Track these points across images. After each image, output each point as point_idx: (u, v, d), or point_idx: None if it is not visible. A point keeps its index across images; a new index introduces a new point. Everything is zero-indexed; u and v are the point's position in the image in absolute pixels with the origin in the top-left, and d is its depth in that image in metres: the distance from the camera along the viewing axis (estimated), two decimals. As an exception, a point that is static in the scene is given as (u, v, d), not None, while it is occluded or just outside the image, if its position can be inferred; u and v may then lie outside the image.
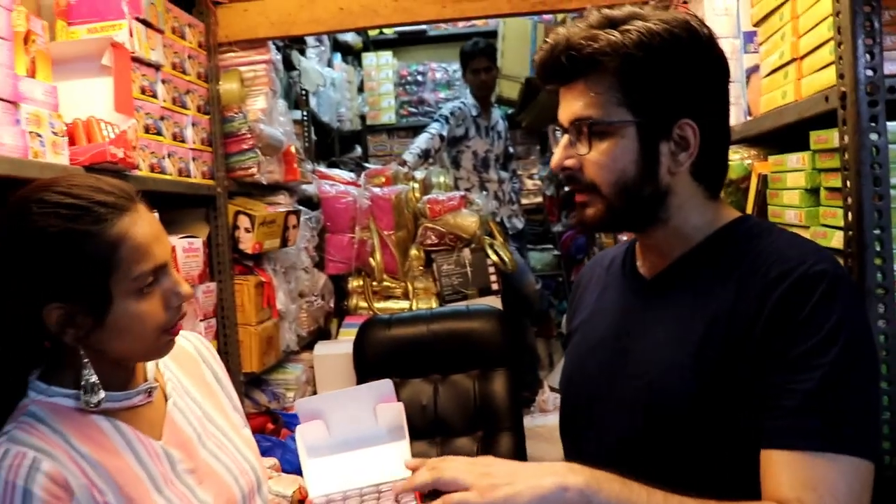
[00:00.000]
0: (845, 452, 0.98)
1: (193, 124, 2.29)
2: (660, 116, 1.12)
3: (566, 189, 1.36)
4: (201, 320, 2.27)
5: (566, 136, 1.16)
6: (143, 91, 2.00)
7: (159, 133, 2.07)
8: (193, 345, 1.37)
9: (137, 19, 1.98)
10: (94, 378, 1.10)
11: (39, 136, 1.53)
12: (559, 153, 1.17)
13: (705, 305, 1.11)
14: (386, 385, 1.38)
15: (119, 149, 1.70)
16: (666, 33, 1.09)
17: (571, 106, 1.15)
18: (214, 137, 2.43)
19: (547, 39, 1.15)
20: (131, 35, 1.94)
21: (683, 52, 1.11)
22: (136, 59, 1.97)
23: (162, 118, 2.09)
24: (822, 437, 0.98)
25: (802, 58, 1.45)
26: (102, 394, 1.11)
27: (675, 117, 1.12)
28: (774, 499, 0.99)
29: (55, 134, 1.58)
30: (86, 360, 1.10)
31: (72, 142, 1.66)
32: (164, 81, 2.13)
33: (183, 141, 2.23)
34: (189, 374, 1.32)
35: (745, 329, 1.06)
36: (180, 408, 1.25)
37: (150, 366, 1.23)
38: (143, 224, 1.12)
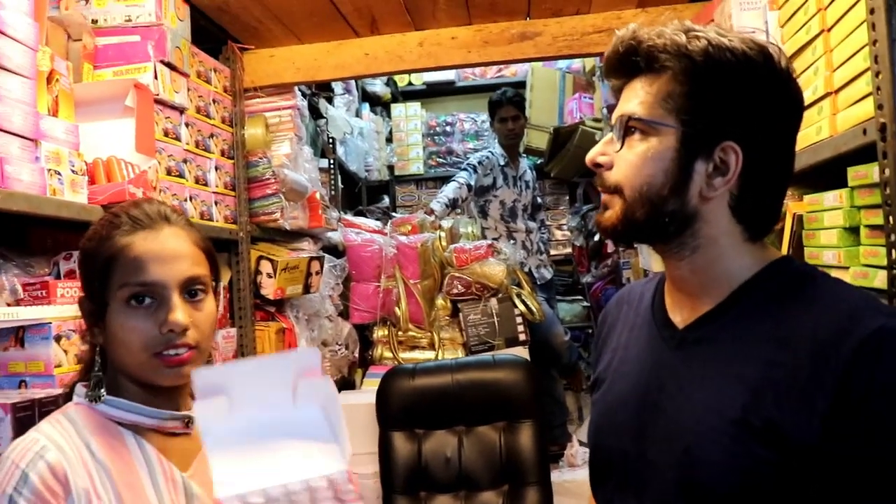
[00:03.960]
0: None
1: (217, 168, 2.29)
2: (705, 132, 1.03)
3: (599, 189, 1.21)
4: (221, 366, 2.23)
5: (611, 133, 1.10)
6: (166, 133, 2.00)
7: (181, 175, 2.06)
8: None
9: (162, 62, 2.00)
10: (99, 374, 1.17)
11: (59, 174, 1.52)
12: (597, 147, 1.10)
13: (747, 364, 1.00)
14: (309, 355, 1.12)
15: (138, 188, 1.68)
16: (737, 50, 1.01)
17: (625, 102, 1.08)
18: (238, 182, 2.43)
19: (617, 32, 1.10)
20: (156, 77, 1.95)
21: (750, 74, 1.02)
22: (159, 102, 1.98)
23: (185, 161, 2.09)
24: None
25: (837, 91, 1.40)
26: (100, 392, 1.16)
27: (721, 138, 1.03)
28: None
29: (75, 172, 1.57)
30: (98, 360, 1.18)
31: (92, 181, 1.65)
32: (187, 125, 2.13)
33: (206, 184, 2.22)
34: None
35: (803, 392, 0.94)
36: None
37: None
38: (153, 242, 1.15)
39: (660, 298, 1.17)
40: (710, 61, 1.01)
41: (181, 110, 2.11)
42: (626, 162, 1.06)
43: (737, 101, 1.02)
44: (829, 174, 1.48)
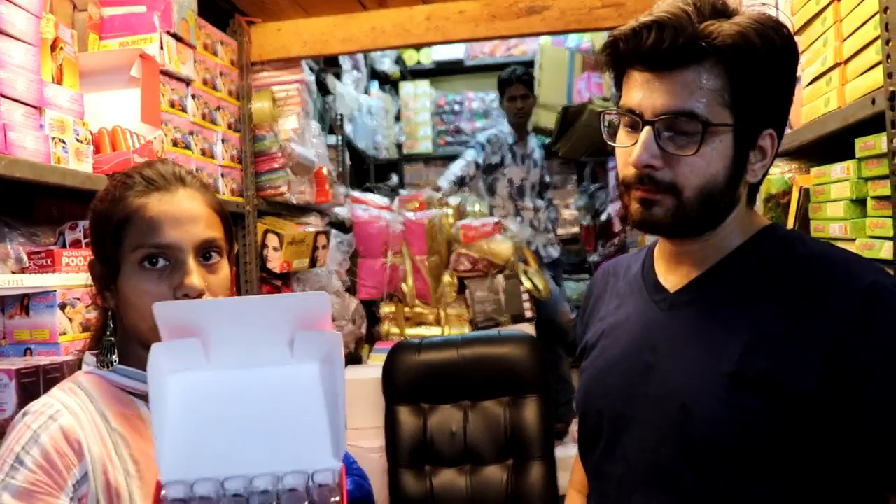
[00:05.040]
0: None
1: (223, 141, 2.29)
2: (755, 124, 1.05)
3: (638, 186, 1.15)
4: (227, 339, 2.24)
5: (648, 129, 1.03)
6: (172, 105, 2.00)
7: (188, 147, 2.06)
8: None
9: (169, 33, 1.99)
10: (111, 339, 1.15)
11: (63, 142, 1.52)
12: (645, 149, 1.03)
13: (740, 321, 1.03)
14: (317, 299, 0.88)
15: (143, 158, 1.68)
16: (776, 38, 1.01)
17: (671, 96, 1.02)
18: (244, 155, 2.43)
19: (650, 15, 1.03)
20: (161, 48, 1.95)
21: (788, 61, 1.04)
22: (165, 73, 1.98)
23: (191, 133, 2.09)
24: None
25: (847, 62, 1.39)
26: (114, 357, 1.14)
27: (765, 126, 1.05)
28: None
29: (79, 141, 1.57)
30: (110, 324, 1.15)
31: (97, 150, 1.65)
32: (194, 96, 2.13)
33: (212, 157, 2.22)
34: None
35: (796, 345, 0.98)
36: None
37: None
38: (168, 204, 1.12)
39: (649, 267, 1.19)
40: (768, 49, 1.00)
41: (187, 82, 2.10)
42: (688, 164, 1.03)
43: (778, 88, 1.05)
44: (836, 147, 1.46)
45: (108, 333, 1.16)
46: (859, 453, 0.96)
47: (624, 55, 1.06)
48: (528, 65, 4.89)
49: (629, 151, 1.06)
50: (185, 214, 1.12)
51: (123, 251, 1.10)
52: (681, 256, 1.13)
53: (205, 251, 1.13)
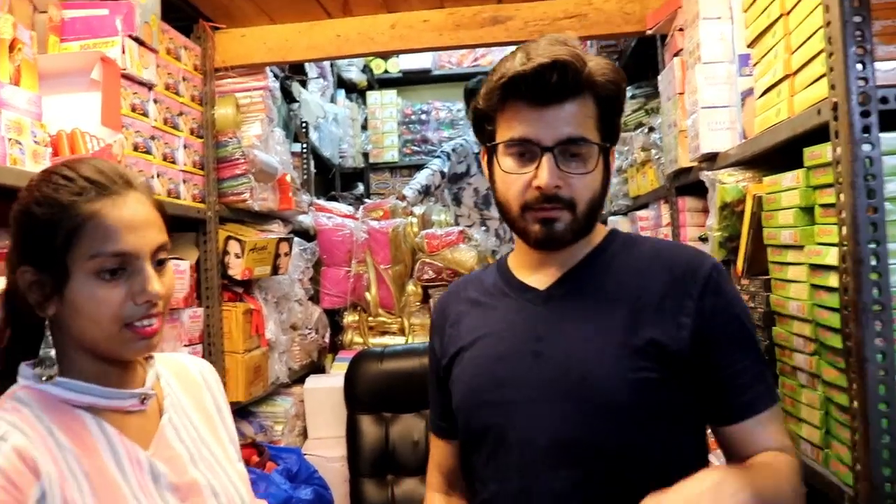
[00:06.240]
0: (776, 402, 1.24)
1: (185, 146, 2.28)
2: (611, 143, 1.29)
3: (541, 206, 1.24)
4: (186, 346, 2.23)
5: (549, 155, 1.20)
6: (133, 109, 1.99)
7: (149, 152, 2.05)
8: (200, 370, 1.34)
9: (131, 37, 1.98)
10: (52, 352, 1.09)
11: (20, 143, 1.50)
12: (552, 172, 1.20)
13: (617, 302, 1.24)
14: None
15: (103, 161, 1.67)
16: (620, 71, 1.27)
17: (562, 125, 1.21)
18: (207, 161, 2.41)
19: (531, 55, 1.20)
20: (123, 52, 1.93)
21: (625, 88, 1.29)
22: (127, 77, 1.97)
23: (152, 137, 2.08)
24: (769, 397, 1.23)
25: (795, 73, 1.43)
26: (55, 369, 1.09)
27: (613, 144, 1.30)
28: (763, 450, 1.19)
29: (37, 143, 1.55)
30: (48, 335, 1.10)
31: (55, 153, 1.64)
32: (156, 101, 2.12)
33: (174, 162, 2.21)
34: (191, 396, 1.28)
35: (674, 312, 1.21)
36: (175, 425, 1.20)
37: (150, 376, 1.20)
38: (123, 209, 1.09)
39: (508, 275, 1.35)
40: (618, 82, 1.25)
41: (149, 86, 2.09)
42: (581, 181, 1.23)
43: (620, 114, 1.32)
44: (788, 157, 1.50)
45: (47, 345, 1.10)
46: (710, 394, 1.22)
47: (517, 91, 1.21)
48: (495, 76, 4.93)
49: (526, 178, 1.22)
50: (140, 220, 1.11)
51: (75, 259, 1.07)
52: (545, 262, 1.30)
53: (158, 256, 1.13)
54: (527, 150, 1.22)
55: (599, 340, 1.21)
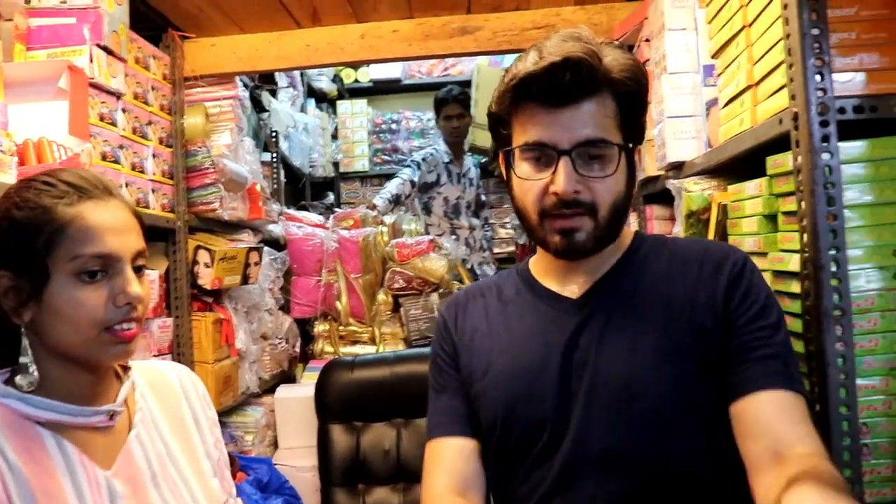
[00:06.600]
0: (796, 390, 1.11)
1: (154, 155, 2.26)
2: (635, 143, 1.22)
3: (560, 212, 1.17)
4: (155, 356, 2.21)
5: (567, 159, 1.14)
6: (101, 118, 1.98)
7: (117, 161, 2.03)
8: (179, 379, 1.32)
9: (99, 46, 1.97)
10: (28, 360, 1.08)
11: (-15, 152, 1.49)
12: (569, 177, 1.14)
13: (655, 300, 1.19)
14: None
15: (70, 170, 1.66)
16: (640, 65, 1.20)
17: (579, 126, 1.14)
18: (176, 170, 2.40)
19: (542, 54, 1.13)
20: (91, 61, 1.92)
21: (647, 85, 1.22)
22: (95, 86, 1.95)
23: (121, 147, 2.06)
24: (788, 379, 1.11)
25: (758, 84, 1.46)
26: (35, 375, 1.08)
27: (638, 143, 1.23)
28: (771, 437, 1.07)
29: (2, 152, 1.54)
30: (26, 344, 1.09)
31: (21, 162, 1.62)
32: (124, 110, 2.10)
33: (143, 171, 2.20)
34: (166, 408, 1.26)
35: (706, 308, 1.16)
36: (142, 441, 1.19)
37: (123, 390, 1.18)
38: (104, 213, 1.10)
39: (533, 284, 1.30)
40: (638, 78, 1.17)
41: (118, 95, 2.08)
42: (603, 185, 1.16)
43: (645, 111, 1.24)
44: (752, 165, 1.54)
45: (27, 354, 1.09)
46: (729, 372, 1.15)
47: (530, 93, 1.15)
48: (465, 84, 4.96)
49: (542, 183, 1.16)
50: (121, 224, 1.12)
51: (56, 261, 1.06)
52: (573, 268, 1.25)
53: (137, 262, 1.13)
54: (543, 155, 1.16)
55: (639, 348, 1.16)
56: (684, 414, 1.14)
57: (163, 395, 1.27)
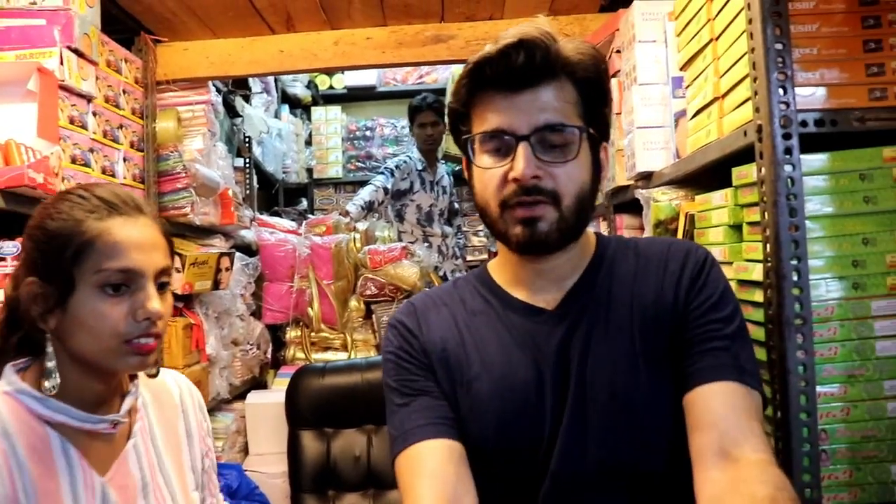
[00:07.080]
0: (752, 386, 1.10)
1: (125, 160, 2.25)
2: (600, 134, 1.19)
3: (521, 199, 1.11)
4: (124, 360, 2.19)
5: (525, 144, 1.10)
6: (71, 121, 1.96)
7: (87, 165, 2.02)
8: (179, 392, 1.36)
9: (69, 48, 1.96)
10: (53, 365, 1.13)
11: (-48, 154, 1.48)
12: (529, 161, 1.09)
13: (628, 304, 1.17)
14: None
15: (39, 174, 1.65)
16: (598, 51, 1.18)
17: (537, 112, 1.10)
18: (147, 175, 2.39)
19: (498, 40, 1.10)
20: (62, 63, 1.91)
21: (608, 77, 1.19)
22: (65, 88, 1.94)
23: (91, 150, 2.05)
24: (738, 372, 1.09)
25: (724, 96, 1.49)
26: (58, 380, 1.12)
27: (603, 138, 1.20)
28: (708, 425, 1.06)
29: (-30, 154, 1.53)
30: (50, 350, 1.14)
31: (-11, 164, 1.61)
32: (95, 114, 2.09)
33: (113, 175, 2.18)
34: (163, 420, 1.30)
35: (670, 305, 1.15)
36: (138, 451, 1.23)
37: (127, 401, 1.22)
38: (131, 229, 1.14)
39: (500, 295, 1.24)
40: (599, 64, 1.15)
41: (88, 98, 2.07)
42: (565, 172, 1.12)
43: (608, 103, 1.21)
44: (719, 176, 1.56)
45: (49, 358, 1.14)
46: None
47: (486, 78, 1.12)
48: (440, 92, 4.98)
49: (502, 171, 1.12)
50: (148, 241, 1.16)
51: (82, 272, 1.11)
52: (542, 276, 1.21)
53: (160, 279, 1.17)
54: (502, 144, 1.12)
55: (619, 356, 1.14)
56: (668, 419, 1.12)
57: (162, 408, 1.31)
